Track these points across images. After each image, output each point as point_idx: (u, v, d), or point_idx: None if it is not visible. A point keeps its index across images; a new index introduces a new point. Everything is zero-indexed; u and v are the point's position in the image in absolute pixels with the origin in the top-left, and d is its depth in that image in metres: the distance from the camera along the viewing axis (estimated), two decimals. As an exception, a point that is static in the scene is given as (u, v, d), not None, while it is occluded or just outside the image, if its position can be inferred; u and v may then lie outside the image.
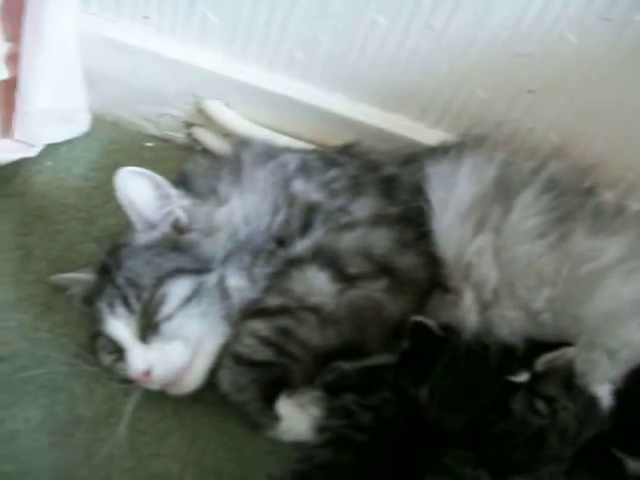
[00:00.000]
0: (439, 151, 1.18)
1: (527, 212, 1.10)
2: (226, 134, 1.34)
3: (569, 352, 1.02)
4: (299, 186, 1.11)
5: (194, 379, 1.07)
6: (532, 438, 1.02)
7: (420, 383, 1.03)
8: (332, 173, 1.14)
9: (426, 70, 1.20)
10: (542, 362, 1.02)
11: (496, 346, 1.04)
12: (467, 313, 1.05)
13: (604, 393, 1.07)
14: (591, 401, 1.06)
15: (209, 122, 1.36)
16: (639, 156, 1.26)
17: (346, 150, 1.21)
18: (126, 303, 1.04)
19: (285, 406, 1.07)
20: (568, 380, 1.04)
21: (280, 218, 1.09)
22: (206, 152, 1.34)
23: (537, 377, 1.03)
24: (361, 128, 1.29)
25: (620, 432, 1.04)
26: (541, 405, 1.01)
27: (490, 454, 1.02)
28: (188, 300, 1.04)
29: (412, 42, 1.17)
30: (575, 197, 1.16)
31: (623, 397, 1.06)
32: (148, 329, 1.03)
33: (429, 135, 1.30)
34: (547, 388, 1.03)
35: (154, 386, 1.05)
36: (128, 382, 1.07)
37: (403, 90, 1.26)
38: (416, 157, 1.19)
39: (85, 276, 1.13)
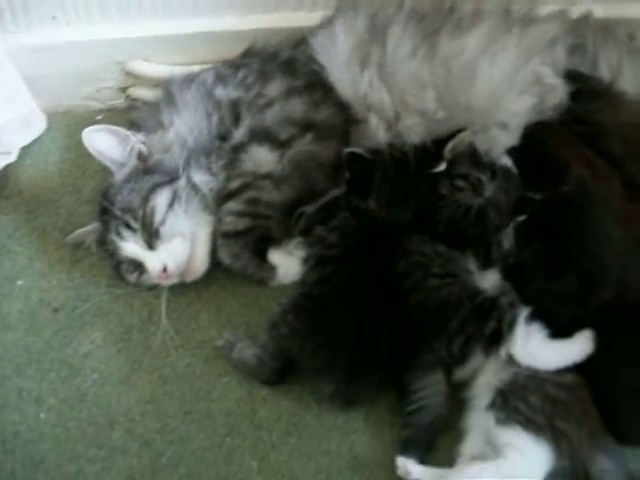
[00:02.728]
0: (317, 27, 1.46)
1: (399, 41, 1.38)
2: (155, 84, 1.60)
3: (465, 135, 1.31)
4: (220, 92, 1.40)
5: (201, 263, 1.36)
6: (476, 216, 1.31)
7: (367, 197, 1.32)
8: (241, 73, 1.42)
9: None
10: (448, 150, 1.31)
11: (411, 150, 1.33)
12: (376, 132, 1.34)
13: (509, 162, 1.36)
14: (506, 173, 1.34)
15: (138, 80, 1.62)
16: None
17: (247, 53, 1.48)
18: (128, 226, 1.32)
19: (276, 256, 1.37)
20: (474, 158, 1.33)
21: (215, 120, 1.37)
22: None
23: (450, 164, 1.32)
24: (256, 34, 1.53)
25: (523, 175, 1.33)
26: (460, 182, 1.31)
27: (444, 237, 1.30)
28: (171, 204, 1.32)
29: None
30: (437, 17, 1.44)
31: (519, 150, 1.35)
32: (151, 238, 1.31)
33: (311, 18, 1.55)
34: (460, 168, 1.32)
35: (174, 280, 1.34)
36: (154, 287, 1.36)
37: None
38: (303, 38, 1.47)
39: (92, 227, 1.40)
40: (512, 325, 1.17)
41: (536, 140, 1.34)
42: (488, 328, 1.18)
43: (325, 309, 1.22)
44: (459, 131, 1.32)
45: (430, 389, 1.21)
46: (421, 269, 1.25)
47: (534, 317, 1.18)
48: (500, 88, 1.34)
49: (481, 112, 1.35)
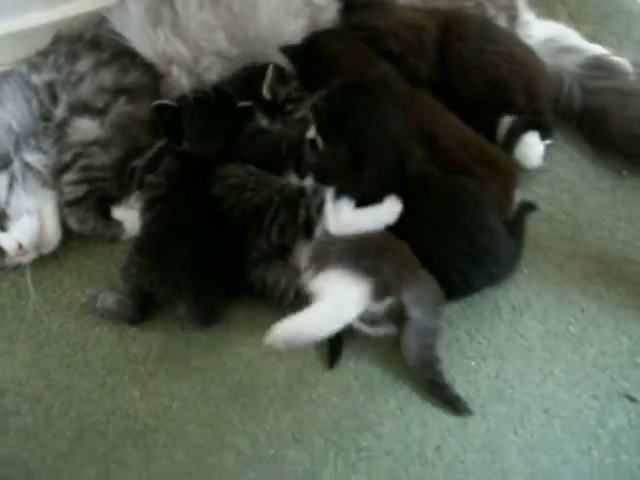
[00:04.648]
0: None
1: (186, -1, 1.54)
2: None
3: (270, 70, 1.49)
4: (35, 78, 1.53)
5: (53, 233, 1.50)
6: (294, 146, 1.45)
7: (181, 140, 1.47)
8: (51, 58, 1.55)
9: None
10: (266, 90, 1.49)
11: (211, 89, 1.49)
12: (179, 81, 1.52)
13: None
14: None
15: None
16: None
17: (55, 40, 1.61)
18: (-23, 218, 1.43)
19: (119, 212, 1.51)
20: (282, 77, 1.52)
21: (35, 104, 1.51)
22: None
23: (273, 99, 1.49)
24: (62, 24, 1.69)
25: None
26: (289, 106, 1.52)
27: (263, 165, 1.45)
28: (11, 186, 1.45)
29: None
30: None
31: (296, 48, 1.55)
32: (1, 221, 1.45)
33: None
34: (280, 95, 1.52)
35: (32, 254, 1.47)
36: (18, 267, 1.50)
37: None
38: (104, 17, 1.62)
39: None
40: (320, 207, 1.33)
41: (312, 40, 1.52)
42: (300, 216, 1.33)
43: (163, 242, 1.37)
44: (264, 68, 1.49)
45: (281, 277, 1.37)
46: (236, 189, 1.39)
47: (339, 193, 1.33)
48: (278, 15, 1.54)
49: (267, 40, 1.54)
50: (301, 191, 1.35)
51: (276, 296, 1.36)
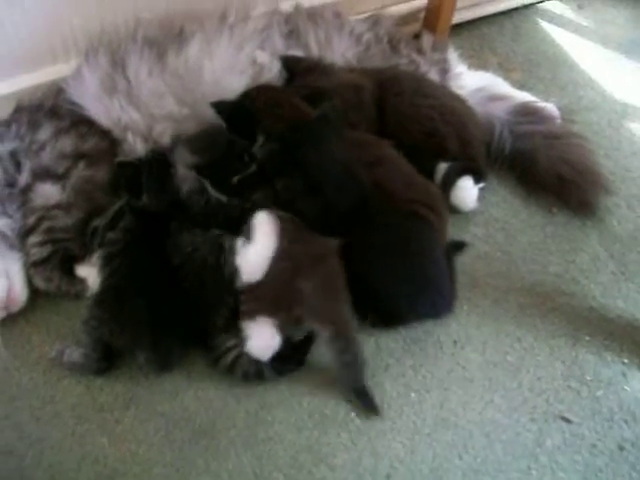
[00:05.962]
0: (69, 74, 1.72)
1: (137, 67, 1.66)
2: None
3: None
4: (-2, 148, 1.64)
5: (20, 293, 1.58)
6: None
7: (140, 195, 1.57)
8: (14, 127, 1.65)
9: (29, 25, 1.72)
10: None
11: (167, 150, 1.61)
12: (135, 147, 1.62)
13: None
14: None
15: None
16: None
17: (16, 110, 1.71)
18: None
19: (82, 270, 1.60)
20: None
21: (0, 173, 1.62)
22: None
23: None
24: (24, 93, 1.77)
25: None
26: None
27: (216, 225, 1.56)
28: (-21, 250, 1.54)
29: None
30: (165, 40, 1.73)
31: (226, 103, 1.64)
32: (-30, 281, 1.53)
33: (70, 66, 1.79)
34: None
35: (1, 313, 1.56)
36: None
37: (30, 51, 1.77)
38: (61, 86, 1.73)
39: None
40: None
41: (241, 95, 1.64)
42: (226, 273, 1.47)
43: (121, 294, 1.46)
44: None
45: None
46: (193, 258, 1.50)
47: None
48: (223, 75, 1.67)
49: (214, 98, 1.63)
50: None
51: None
